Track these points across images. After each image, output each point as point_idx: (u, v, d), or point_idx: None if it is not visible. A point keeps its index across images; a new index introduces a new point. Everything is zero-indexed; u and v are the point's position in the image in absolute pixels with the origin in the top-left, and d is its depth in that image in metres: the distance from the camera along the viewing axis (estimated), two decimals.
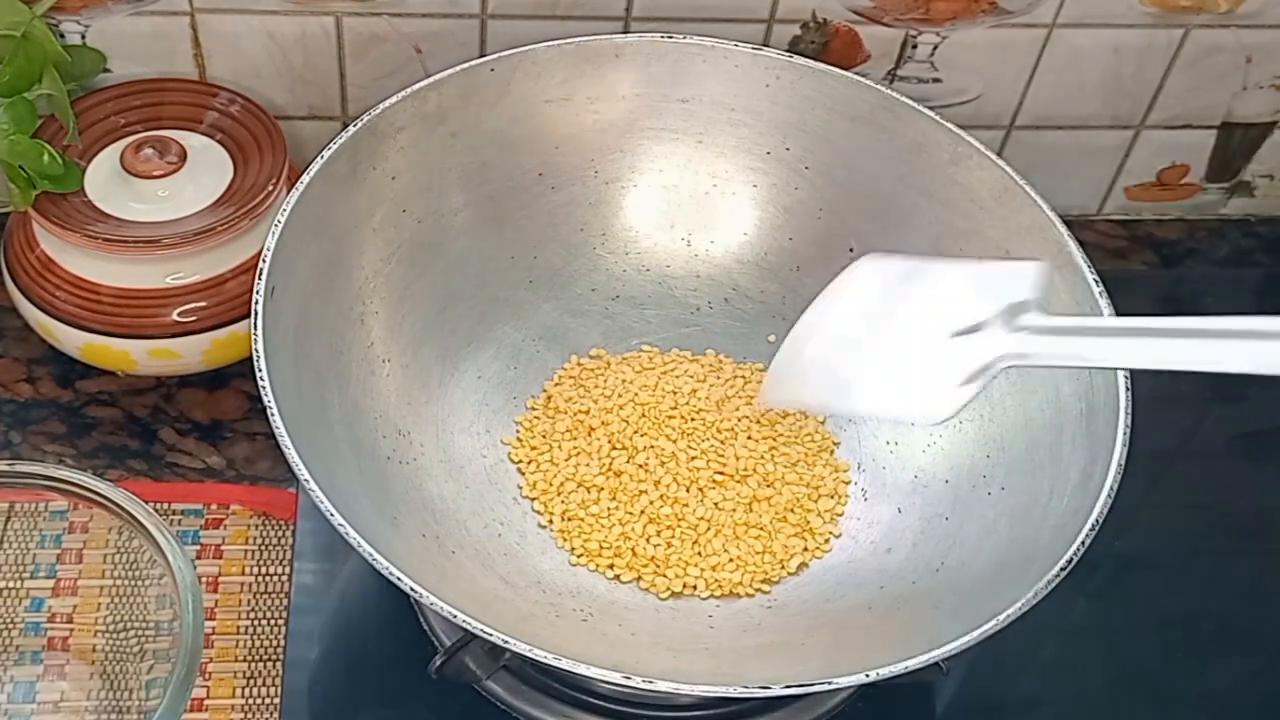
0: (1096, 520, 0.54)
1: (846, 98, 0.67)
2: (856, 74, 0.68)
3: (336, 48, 0.73)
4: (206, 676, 0.63)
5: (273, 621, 0.64)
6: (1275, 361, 0.47)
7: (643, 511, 0.64)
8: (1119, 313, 0.60)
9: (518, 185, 0.69)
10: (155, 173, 0.68)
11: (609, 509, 0.64)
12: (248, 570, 0.66)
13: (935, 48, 0.75)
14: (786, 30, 0.74)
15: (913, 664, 0.51)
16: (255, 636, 0.64)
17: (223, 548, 0.67)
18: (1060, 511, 0.57)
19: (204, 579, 0.65)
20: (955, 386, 0.52)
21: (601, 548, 0.63)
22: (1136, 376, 0.58)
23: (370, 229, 0.65)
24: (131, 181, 0.68)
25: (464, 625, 0.50)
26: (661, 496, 0.65)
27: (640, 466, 0.65)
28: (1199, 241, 0.86)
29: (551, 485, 0.65)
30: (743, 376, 0.69)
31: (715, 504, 0.64)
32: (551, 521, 0.64)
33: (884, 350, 0.55)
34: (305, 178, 0.61)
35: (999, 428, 0.63)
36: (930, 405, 0.53)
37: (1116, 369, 0.53)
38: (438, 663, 0.58)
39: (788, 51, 0.69)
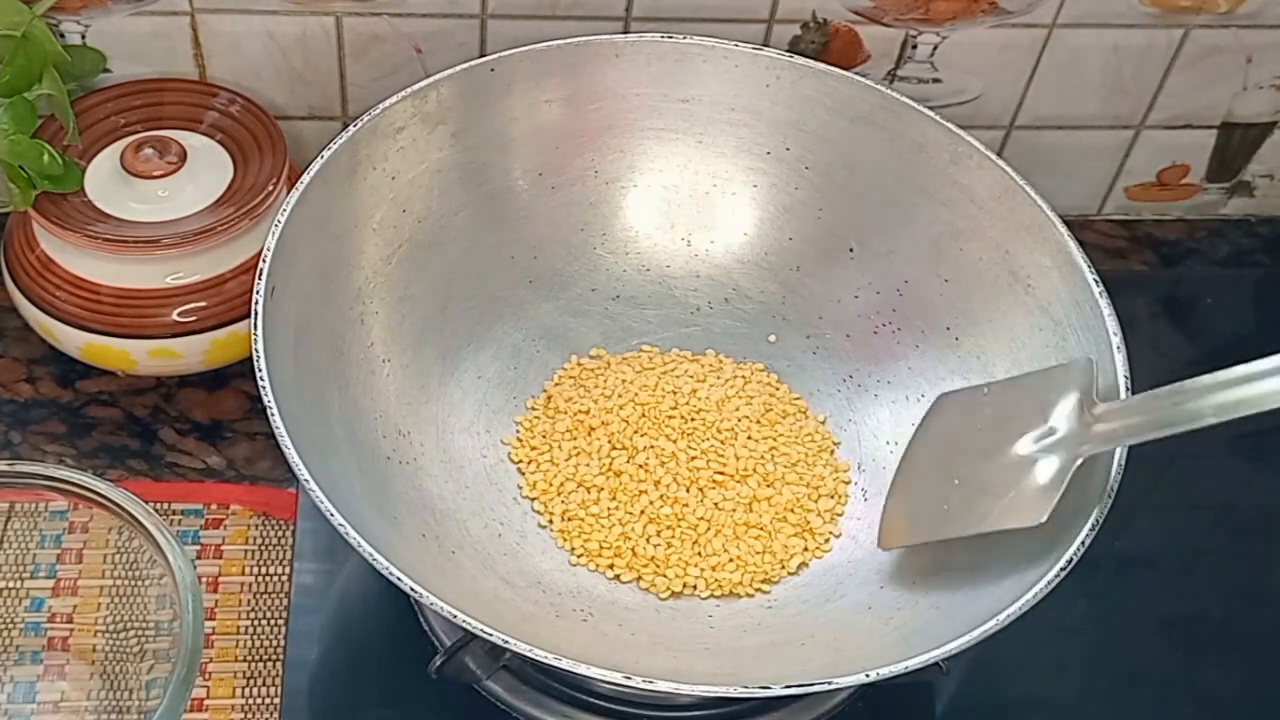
0: (1096, 520, 0.54)
1: (846, 98, 0.67)
2: (856, 74, 0.68)
3: (336, 48, 0.73)
4: (206, 676, 0.63)
5: (273, 621, 0.64)
6: None
7: (643, 511, 0.64)
8: (1118, 313, 0.60)
9: (518, 185, 0.69)
10: (155, 173, 0.68)
11: (609, 509, 0.64)
12: (248, 570, 0.66)
13: (935, 48, 0.75)
14: (786, 30, 0.74)
15: (913, 664, 0.51)
16: (255, 636, 0.64)
17: (223, 548, 0.67)
18: (1060, 512, 0.57)
19: (204, 579, 0.65)
20: (1044, 487, 0.56)
21: (601, 548, 0.63)
22: (1137, 375, 0.58)
23: (370, 229, 0.65)
24: (131, 181, 0.68)
25: (464, 625, 0.50)
26: (661, 496, 0.65)
27: (640, 466, 0.65)
28: (1199, 241, 0.86)
29: (551, 485, 0.65)
30: (743, 376, 0.69)
31: (715, 504, 0.64)
32: (551, 521, 0.64)
33: (972, 475, 0.59)
34: (305, 178, 0.61)
35: None
36: (1026, 512, 0.56)
37: (1187, 429, 0.54)
38: (438, 663, 0.58)
39: (788, 51, 0.69)
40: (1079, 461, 0.56)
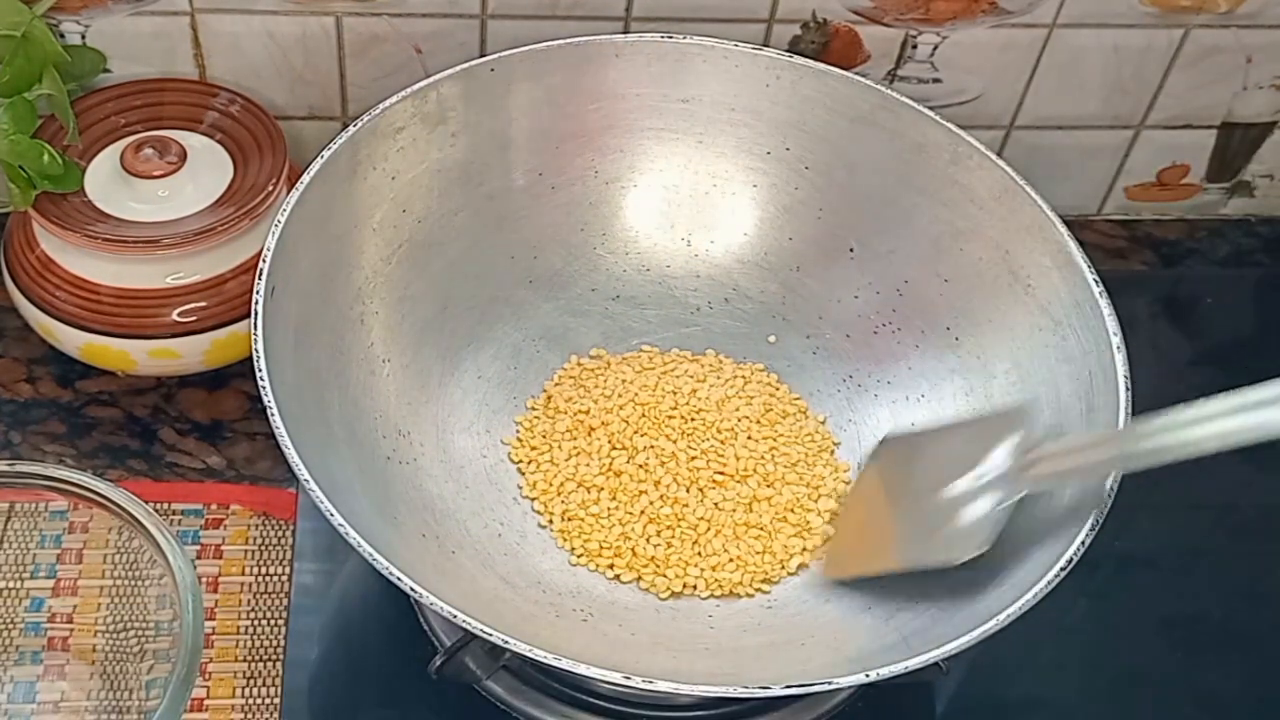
0: (1096, 520, 0.54)
1: (846, 98, 0.67)
2: (856, 74, 0.68)
3: (336, 48, 0.73)
4: (206, 676, 0.63)
5: (273, 621, 0.64)
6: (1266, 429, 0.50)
7: (643, 512, 0.64)
8: (1118, 313, 0.60)
9: (518, 185, 0.69)
10: (155, 173, 0.68)
11: (609, 509, 0.64)
12: (248, 570, 0.66)
13: (935, 48, 0.75)
14: (786, 30, 0.74)
15: (913, 664, 0.51)
16: (255, 636, 0.64)
17: (223, 548, 0.67)
18: (1060, 511, 0.57)
19: (204, 579, 0.65)
20: (976, 523, 0.57)
21: (601, 548, 0.63)
22: (1137, 375, 0.58)
23: (370, 229, 0.65)
24: (131, 181, 0.68)
25: (464, 625, 0.50)
26: (661, 497, 0.65)
27: (640, 467, 0.65)
28: (1199, 241, 0.86)
29: (551, 485, 0.65)
30: (743, 376, 0.69)
31: (715, 504, 0.64)
32: (551, 522, 0.64)
33: (911, 512, 0.61)
34: (305, 178, 0.61)
35: None
36: (959, 549, 0.58)
37: (1116, 473, 0.56)
38: (438, 663, 0.58)
39: (788, 51, 0.69)
40: (1011, 501, 0.57)
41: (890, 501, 0.63)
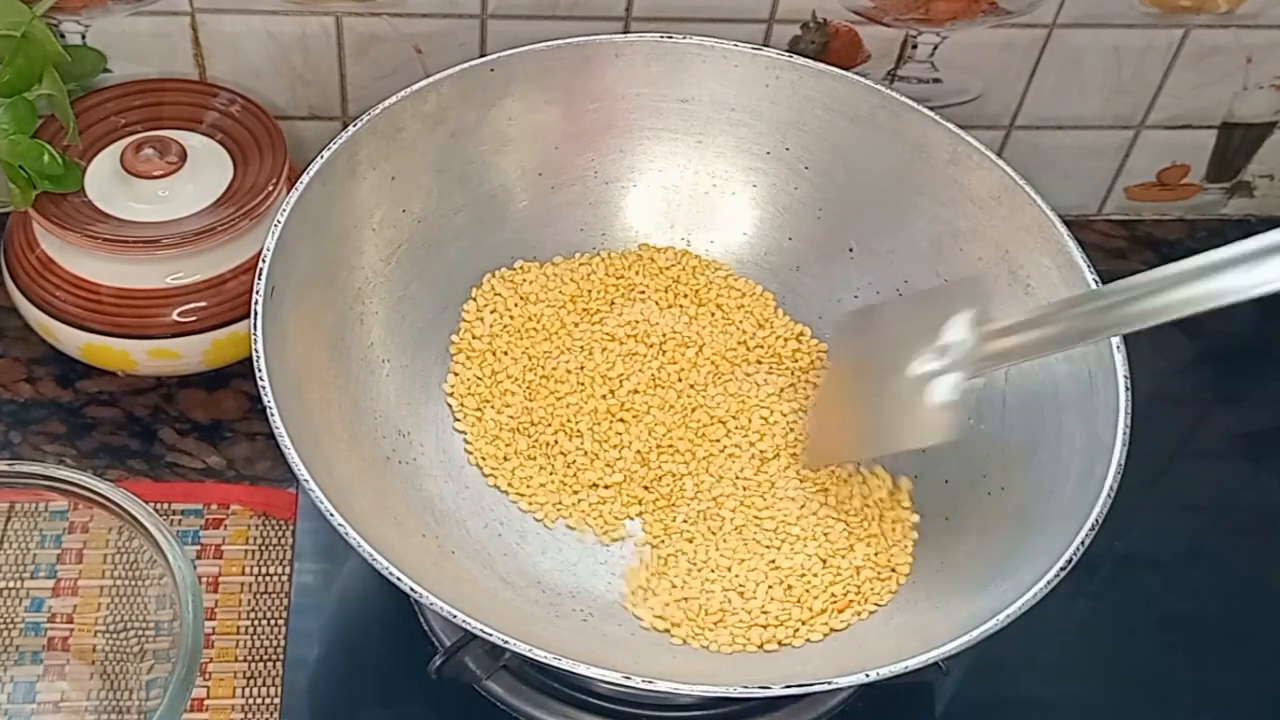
0: (1096, 520, 0.54)
1: (846, 98, 0.68)
2: (856, 74, 0.68)
3: (336, 48, 0.73)
4: (206, 676, 0.62)
5: (273, 621, 0.64)
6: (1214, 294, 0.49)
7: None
8: None
9: (518, 185, 0.69)
10: (155, 173, 0.68)
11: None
12: (248, 570, 0.66)
13: (935, 48, 0.75)
14: (786, 30, 0.74)
15: (913, 664, 0.51)
16: (255, 636, 0.64)
17: (223, 548, 0.67)
18: (1060, 512, 0.57)
19: (204, 579, 0.65)
20: (941, 406, 0.57)
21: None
22: (1136, 375, 0.58)
23: (370, 229, 0.65)
24: (131, 181, 0.68)
25: (464, 625, 0.50)
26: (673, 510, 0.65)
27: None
28: (1199, 241, 0.86)
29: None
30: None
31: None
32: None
33: (878, 394, 0.60)
34: (305, 178, 0.61)
35: (999, 428, 0.63)
36: (927, 432, 0.58)
37: (1090, 343, 0.57)
38: (438, 663, 0.58)
39: (788, 51, 0.69)
40: (976, 379, 0.56)
41: (858, 384, 0.62)
